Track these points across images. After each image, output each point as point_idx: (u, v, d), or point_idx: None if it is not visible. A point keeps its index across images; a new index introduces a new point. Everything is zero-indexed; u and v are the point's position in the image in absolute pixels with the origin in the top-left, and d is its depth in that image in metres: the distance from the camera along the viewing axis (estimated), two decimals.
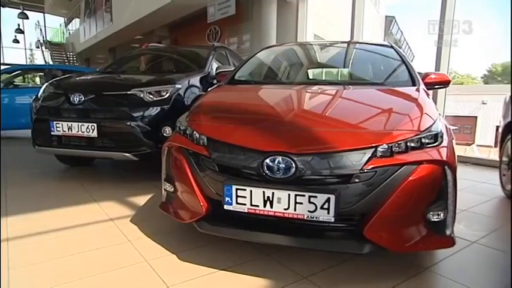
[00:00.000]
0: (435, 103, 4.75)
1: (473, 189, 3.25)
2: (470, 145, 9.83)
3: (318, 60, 3.18)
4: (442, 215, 1.55)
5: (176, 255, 1.81)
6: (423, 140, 1.57)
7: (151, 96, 3.09)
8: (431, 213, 1.54)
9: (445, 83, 2.46)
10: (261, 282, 1.58)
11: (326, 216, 1.45)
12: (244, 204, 1.55)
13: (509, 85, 3.22)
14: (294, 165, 1.49)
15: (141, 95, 3.06)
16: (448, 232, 1.59)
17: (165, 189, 1.99)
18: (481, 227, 2.28)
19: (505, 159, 3.02)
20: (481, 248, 1.99)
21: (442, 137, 1.64)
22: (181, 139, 1.89)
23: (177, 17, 9.17)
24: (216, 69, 3.23)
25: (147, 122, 3.02)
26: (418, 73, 2.41)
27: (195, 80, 3.63)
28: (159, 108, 3.09)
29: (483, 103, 11.76)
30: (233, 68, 3.12)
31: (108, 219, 2.32)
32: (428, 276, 1.67)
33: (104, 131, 3.00)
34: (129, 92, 3.06)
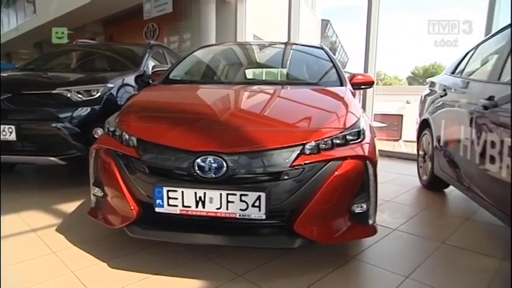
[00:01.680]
0: (365, 102, 5.14)
1: (397, 181, 3.55)
2: (397, 141, 10.69)
3: (254, 60, 3.24)
4: (365, 206, 1.67)
5: (107, 263, 1.72)
6: (347, 137, 1.68)
7: (79, 95, 2.91)
8: (356, 205, 1.65)
9: (369, 84, 2.66)
10: (195, 283, 1.57)
11: (257, 214, 1.48)
12: (176, 206, 1.52)
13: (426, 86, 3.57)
14: (225, 164, 1.50)
15: (68, 95, 2.86)
16: (370, 222, 1.72)
17: (93, 194, 1.89)
18: (401, 215, 2.50)
19: (421, 152, 3.35)
20: (400, 234, 2.19)
21: (364, 134, 1.77)
22: (109, 141, 1.81)
23: (111, 13, 8.68)
24: (152, 68, 3.14)
25: (76, 124, 2.84)
26: (348, 73, 2.58)
27: (130, 79, 3.49)
28: (89, 109, 2.93)
29: (407, 102, 12.89)
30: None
31: (30, 230, 2.13)
32: (355, 265, 1.78)
33: (24, 134, 2.75)
34: (54, 91, 2.84)
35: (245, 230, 1.59)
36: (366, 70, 5.01)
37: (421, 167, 3.39)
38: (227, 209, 1.50)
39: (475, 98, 2.17)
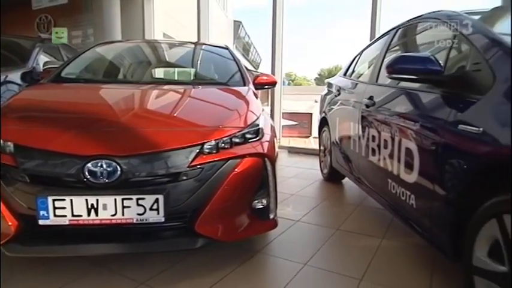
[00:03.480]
0: (273, 101, 5.39)
1: (302, 175, 3.81)
2: (308, 137, 11.43)
3: (158, 59, 3.13)
4: (265, 201, 1.74)
5: None
6: (247, 136, 1.74)
7: None
8: (256, 201, 1.71)
9: (273, 84, 2.78)
10: None
11: (156, 217, 1.44)
12: (65, 216, 1.39)
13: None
14: (119, 168, 1.42)
15: None
16: (271, 216, 1.80)
17: None
18: (303, 207, 2.68)
19: (322, 148, 3.65)
20: (302, 224, 2.35)
21: (263, 132, 1.84)
22: None
23: None
24: (44, 65, 2.81)
25: None
26: (254, 72, 2.66)
27: (15, 76, 3.09)
28: None
29: (315, 101, 13.93)
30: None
31: None
32: (259, 258, 1.86)
33: None
34: None
35: (144, 235, 1.53)
36: (273, 71, 5.25)
37: (322, 161, 3.69)
38: (123, 215, 1.42)
39: (360, 98, 2.45)
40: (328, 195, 3.07)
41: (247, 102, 2.06)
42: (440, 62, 1.57)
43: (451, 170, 1.37)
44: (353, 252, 1.93)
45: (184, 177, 1.50)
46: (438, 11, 1.92)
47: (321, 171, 3.70)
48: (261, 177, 1.72)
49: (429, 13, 1.99)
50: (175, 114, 1.83)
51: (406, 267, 1.77)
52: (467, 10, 1.81)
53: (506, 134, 1.12)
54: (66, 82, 2.34)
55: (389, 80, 2.03)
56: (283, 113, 5.94)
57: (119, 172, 1.42)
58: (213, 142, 1.59)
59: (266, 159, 1.74)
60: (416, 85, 1.75)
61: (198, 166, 1.52)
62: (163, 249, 1.56)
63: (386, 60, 2.21)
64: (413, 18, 2.19)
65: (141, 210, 1.43)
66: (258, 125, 1.83)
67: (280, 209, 2.59)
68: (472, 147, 1.26)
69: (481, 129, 1.21)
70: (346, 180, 3.29)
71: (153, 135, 1.58)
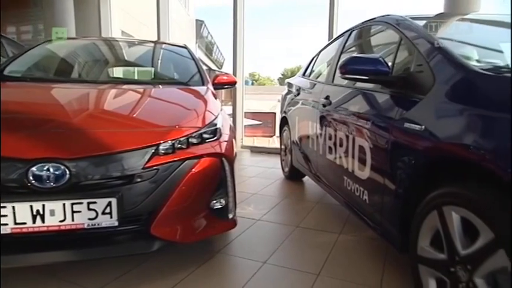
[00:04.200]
0: (236, 101, 5.39)
1: (264, 174, 3.84)
2: (272, 137, 11.56)
3: (114, 58, 3.02)
4: (223, 201, 1.74)
5: None
6: (204, 135, 1.72)
7: None
8: (214, 201, 1.70)
9: (232, 84, 2.77)
10: None
11: (109, 221, 1.39)
12: (6, 224, 1.30)
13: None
14: (67, 171, 1.35)
15: None
16: (230, 216, 1.80)
17: None
18: (265, 206, 2.71)
19: (283, 147, 3.70)
20: (263, 223, 2.37)
21: (221, 132, 1.84)
22: None
23: None
24: None
25: None
26: (218, 72, 2.64)
27: None
28: None
29: (278, 101, 14.10)
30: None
31: None
32: (219, 259, 1.85)
33: None
34: None
35: (97, 240, 1.47)
36: (234, 70, 5.25)
37: (283, 160, 3.74)
38: (73, 220, 1.36)
39: (317, 97, 2.51)
40: (289, 193, 3.12)
41: (205, 102, 2.04)
42: (390, 63, 1.66)
43: (399, 166, 1.45)
44: (311, 248, 1.98)
45: (139, 179, 1.46)
46: (387, 15, 2.01)
47: (282, 170, 3.75)
48: (219, 177, 1.72)
49: (380, 17, 2.08)
50: (130, 115, 1.77)
51: (361, 259, 1.84)
52: (414, 15, 1.92)
53: (445, 131, 1.20)
54: (9, 80, 2.18)
55: (346, 81, 2.10)
56: (246, 113, 5.96)
57: (67, 176, 1.35)
58: (169, 142, 1.57)
59: (224, 159, 1.74)
60: (369, 85, 1.82)
61: (154, 167, 1.49)
62: (117, 254, 1.50)
63: (341, 61, 2.28)
64: (365, 21, 2.28)
65: (92, 214, 1.37)
66: (215, 125, 1.82)
67: (241, 209, 2.61)
68: (416, 144, 1.34)
69: (423, 126, 1.29)
70: (307, 178, 3.37)
71: (105, 136, 1.52)
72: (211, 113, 1.93)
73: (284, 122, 3.57)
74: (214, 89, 2.69)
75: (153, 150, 1.51)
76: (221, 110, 2.09)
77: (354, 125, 1.87)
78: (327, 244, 2.02)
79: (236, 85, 2.98)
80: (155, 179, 1.49)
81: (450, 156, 1.19)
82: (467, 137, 1.09)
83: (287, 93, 3.66)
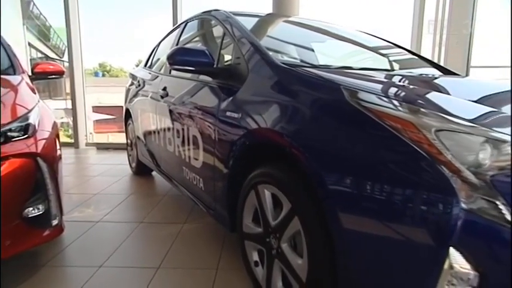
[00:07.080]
0: (74, 95, 4.78)
1: (110, 172, 3.55)
2: None
3: None
4: (42, 207, 1.52)
5: None
6: (9, 133, 1.46)
7: None
8: (29, 208, 1.47)
9: (58, 73, 2.43)
10: None
11: None
12: None
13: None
14: None
15: None
16: (55, 222, 1.59)
17: None
18: (107, 205, 2.51)
19: (129, 141, 3.50)
20: (103, 224, 2.19)
21: (35, 128, 1.59)
22: None
23: None
24: None
25: None
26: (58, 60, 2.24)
27: None
28: None
29: None
30: None
31: None
32: (45, 272, 1.62)
33: None
34: None
35: None
36: (70, 59, 4.64)
37: (130, 155, 3.54)
38: None
39: (157, 89, 2.45)
40: (135, 189, 2.98)
41: (14, 94, 1.72)
42: (216, 55, 1.74)
43: (225, 152, 1.55)
44: (154, 243, 1.94)
45: None
46: (216, 10, 2.10)
47: (130, 165, 3.55)
48: (33, 180, 1.49)
49: (209, 11, 2.15)
50: None
51: (203, 245, 1.91)
52: (241, 12, 2.07)
53: (254, 118, 1.34)
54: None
55: (182, 73, 2.10)
56: (96, 107, 5.36)
57: None
58: None
59: (40, 159, 1.52)
60: (202, 77, 1.87)
61: None
62: None
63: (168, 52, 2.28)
64: (198, 14, 2.33)
65: None
66: (27, 120, 1.57)
67: (79, 212, 2.38)
68: (235, 131, 1.45)
69: (239, 114, 1.41)
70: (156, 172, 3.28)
71: None
72: (22, 106, 1.65)
73: (128, 115, 3.36)
74: (36, 79, 2.32)
75: None
76: (38, 102, 1.81)
77: (188, 116, 1.91)
78: (171, 236, 2.02)
79: (65, 75, 2.63)
80: None
81: (259, 141, 1.34)
82: (269, 123, 1.24)
83: (130, 85, 3.45)
